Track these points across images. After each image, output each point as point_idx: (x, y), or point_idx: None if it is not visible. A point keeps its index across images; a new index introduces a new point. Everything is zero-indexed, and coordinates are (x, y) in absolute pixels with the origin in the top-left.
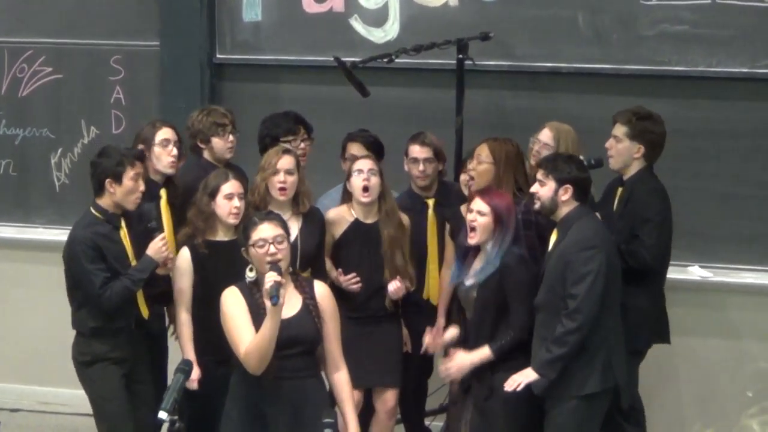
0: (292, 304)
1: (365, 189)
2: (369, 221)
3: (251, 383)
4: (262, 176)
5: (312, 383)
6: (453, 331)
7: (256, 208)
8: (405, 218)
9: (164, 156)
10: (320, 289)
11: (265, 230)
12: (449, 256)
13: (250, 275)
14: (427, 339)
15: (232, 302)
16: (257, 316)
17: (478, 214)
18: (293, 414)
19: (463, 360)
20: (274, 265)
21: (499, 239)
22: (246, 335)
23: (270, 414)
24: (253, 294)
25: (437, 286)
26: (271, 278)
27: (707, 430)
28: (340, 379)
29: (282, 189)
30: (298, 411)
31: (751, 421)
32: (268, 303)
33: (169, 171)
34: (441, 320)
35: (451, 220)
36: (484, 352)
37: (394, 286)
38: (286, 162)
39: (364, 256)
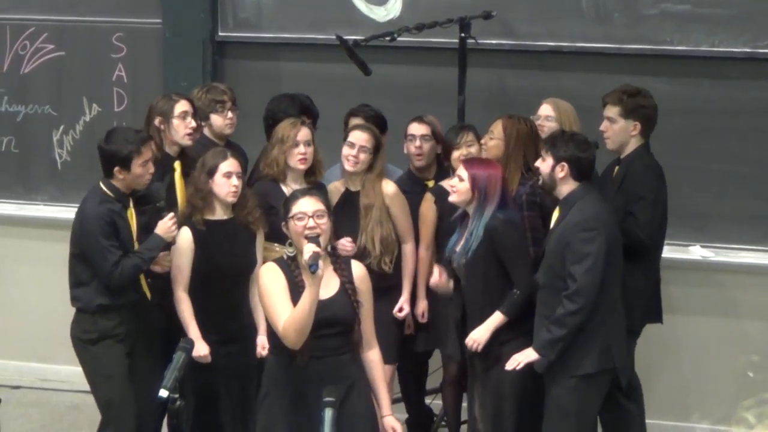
0: (330, 285)
1: (351, 162)
2: (355, 189)
3: (289, 364)
4: (281, 149)
5: (349, 358)
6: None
7: (274, 180)
8: (391, 187)
9: (182, 128)
10: (358, 270)
11: (306, 204)
12: (427, 234)
13: (289, 250)
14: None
15: (271, 277)
16: (296, 292)
17: (458, 178)
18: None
19: (480, 332)
20: (313, 238)
21: (479, 209)
22: (285, 310)
23: (311, 393)
24: (291, 270)
25: None
26: (309, 249)
27: (704, 421)
28: (373, 358)
29: (303, 159)
30: (339, 387)
31: (747, 413)
32: (306, 277)
33: (187, 142)
34: (423, 302)
35: (435, 195)
36: (497, 317)
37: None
38: (304, 134)
39: (344, 223)
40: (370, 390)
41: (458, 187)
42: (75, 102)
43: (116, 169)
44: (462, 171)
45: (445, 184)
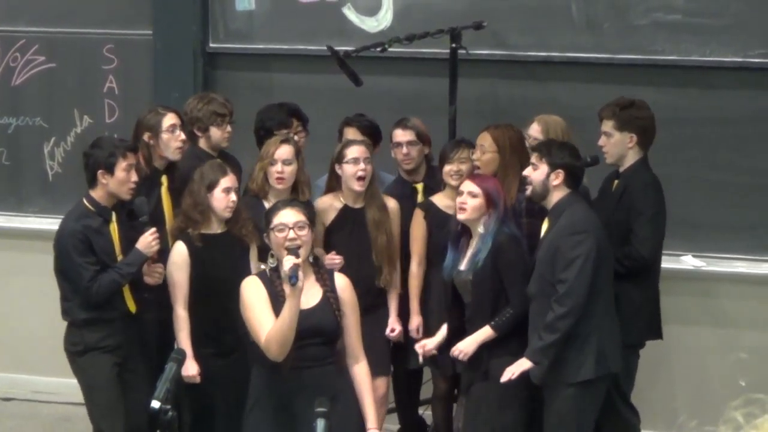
0: (312, 295)
1: (360, 179)
2: (357, 206)
3: (272, 375)
4: (261, 165)
5: (333, 369)
6: (441, 334)
7: (256, 196)
8: (392, 202)
9: (173, 142)
10: (341, 281)
11: (286, 215)
12: (418, 250)
13: (271, 261)
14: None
15: (252, 291)
16: (277, 304)
17: (469, 195)
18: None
19: (467, 343)
20: (293, 250)
21: (490, 222)
22: (267, 322)
23: (297, 403)
24: (273, 282)
25: None
26: (289, 261)
27: (692, 422)
28: (360, 372)
29: (279, 179)
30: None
31: (735, 413)
32: (287, 288)
33: (177, 156)
34: (417, 318)
35: (424, 210)
36: (486, 331)
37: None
38: (283, 152)
39: (354, 240)
40: (358, 403)
41: (470, 203)
42: (66, 114)
43: (100, 172)
44: (473, 187)
45: (436, 199)
